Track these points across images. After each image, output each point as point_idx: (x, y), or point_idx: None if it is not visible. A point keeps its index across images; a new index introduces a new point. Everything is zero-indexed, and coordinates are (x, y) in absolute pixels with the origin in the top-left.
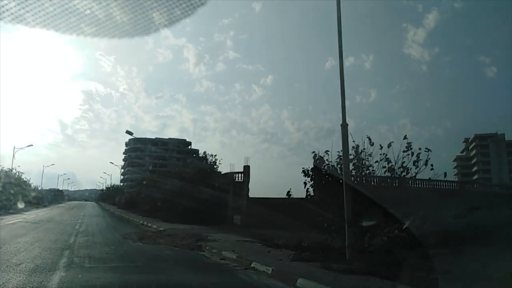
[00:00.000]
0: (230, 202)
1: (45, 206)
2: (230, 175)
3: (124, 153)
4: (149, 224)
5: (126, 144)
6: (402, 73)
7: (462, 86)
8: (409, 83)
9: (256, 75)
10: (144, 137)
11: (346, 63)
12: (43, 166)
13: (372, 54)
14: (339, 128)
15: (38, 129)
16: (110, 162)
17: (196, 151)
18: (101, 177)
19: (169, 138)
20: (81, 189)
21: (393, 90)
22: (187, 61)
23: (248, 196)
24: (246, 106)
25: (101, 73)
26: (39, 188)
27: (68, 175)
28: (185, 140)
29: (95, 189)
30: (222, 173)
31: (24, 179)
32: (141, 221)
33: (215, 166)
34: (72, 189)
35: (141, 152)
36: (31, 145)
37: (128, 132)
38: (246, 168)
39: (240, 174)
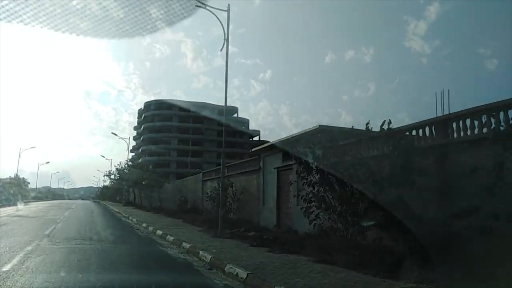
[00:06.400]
0: None
1: None
2: None
3: (136, 128)
4: None
5: (139, 113)
6: (402, 66)
7: (461, 79)
8: (409, 76)
9: (255, 69)
10: (167, 99)
11: (346, 57)
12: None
13: (373, 47)
14: (336, 123)
15: (34, 127)
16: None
17: (246, 121)
18: (98, 170)
19: (204, 103)
20: (76, 187)
21: (392, 83)
22: (184, 56)
23: None
24: (244, 101)
25: (97, 70)
26: None
27: (63, 173)
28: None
29: (92, 186)
30: None
31: None
32: None
33: None
34: (68, 187)
35: (164, 122)
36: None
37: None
38: None
39: None
